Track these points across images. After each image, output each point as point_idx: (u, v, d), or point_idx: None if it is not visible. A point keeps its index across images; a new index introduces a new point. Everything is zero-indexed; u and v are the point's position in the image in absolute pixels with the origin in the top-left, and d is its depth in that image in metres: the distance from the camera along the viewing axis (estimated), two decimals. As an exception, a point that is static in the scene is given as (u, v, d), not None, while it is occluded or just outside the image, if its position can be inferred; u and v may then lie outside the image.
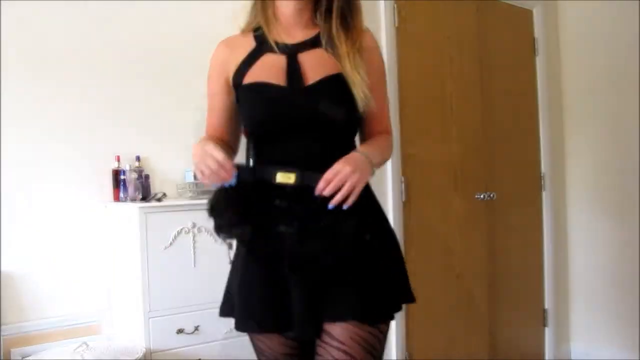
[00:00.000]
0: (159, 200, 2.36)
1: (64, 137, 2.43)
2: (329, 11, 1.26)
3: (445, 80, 2.79)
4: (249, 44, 1.32)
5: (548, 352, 3.28)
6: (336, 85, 1.24)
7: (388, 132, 1.37)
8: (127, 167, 2.47)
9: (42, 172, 2.38)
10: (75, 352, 2.16)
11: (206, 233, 2.32)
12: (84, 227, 2.45)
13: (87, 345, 2.21)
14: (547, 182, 3.29)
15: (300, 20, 1.29)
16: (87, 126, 2.49)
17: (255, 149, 1.27)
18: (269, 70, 1.27)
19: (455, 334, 2.83)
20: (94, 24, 2.52)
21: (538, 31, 3.29)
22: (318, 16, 1.29)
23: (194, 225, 2.30)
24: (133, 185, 2.39)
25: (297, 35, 1.30)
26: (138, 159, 2.52)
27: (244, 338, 2.40)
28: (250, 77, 1.28)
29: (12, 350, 2.26)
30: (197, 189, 2.55)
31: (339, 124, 1.26)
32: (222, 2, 2.90)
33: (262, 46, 1.30)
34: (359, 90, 1.23)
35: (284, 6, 1.28)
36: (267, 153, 1.27)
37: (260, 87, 1.26)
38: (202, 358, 2.30)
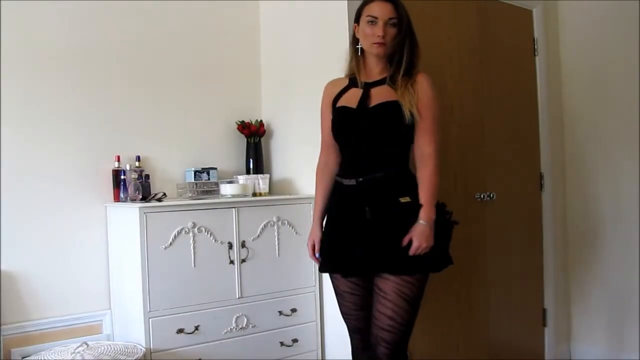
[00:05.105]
0: (159, 200, 2.36)
1: (64, 137, 2.43)
2: (398, 62, 1.91)
3: (445, 80, 2.78)
4: (345, 83, 2.03)
5: (548, 352, 3.28)
6: (388, 107, 1.88)
7: (430, 143, 1.88)
8: (127, 167, 2.47)
9: (43, 172, 2.38)
10: (75, 352, 2.17)
11: (206, 233, 2.33)
12: (84, 227, 2.46)
13: (87, 345, 2.22)
14: (546, 182, 3.29)
15: (376, 68, 1.97)
16: (88, 126, 2.49)
17: (340, 149, 2.02)
18: (350, 98, 1.96)
19: (455, 334, 2.83)
20: (98, 25, 2.53)
21: (538, 31, 3.29)
22: (389, 65, 1.93)
23: (194, 225, 2.30)
24: (133, 185, 2.39)
25: (373, 76, 1.96)
26: (138, 159, 2.53)
27: (244, 337, 2.42)
28: (340, 103, 1.99)
29: (12, 350, 2.26)
30: (197, 188, 2.55)
31: (386, 134, 1.89)
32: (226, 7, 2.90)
33: (351, 84, 2.00)
34: (406, 109, 1.84)
35: (368, 59, 1.98)
36: (344, 154, 2.00)
37: (342, 109, 1.97)
38: (202, 358, 2.31)
